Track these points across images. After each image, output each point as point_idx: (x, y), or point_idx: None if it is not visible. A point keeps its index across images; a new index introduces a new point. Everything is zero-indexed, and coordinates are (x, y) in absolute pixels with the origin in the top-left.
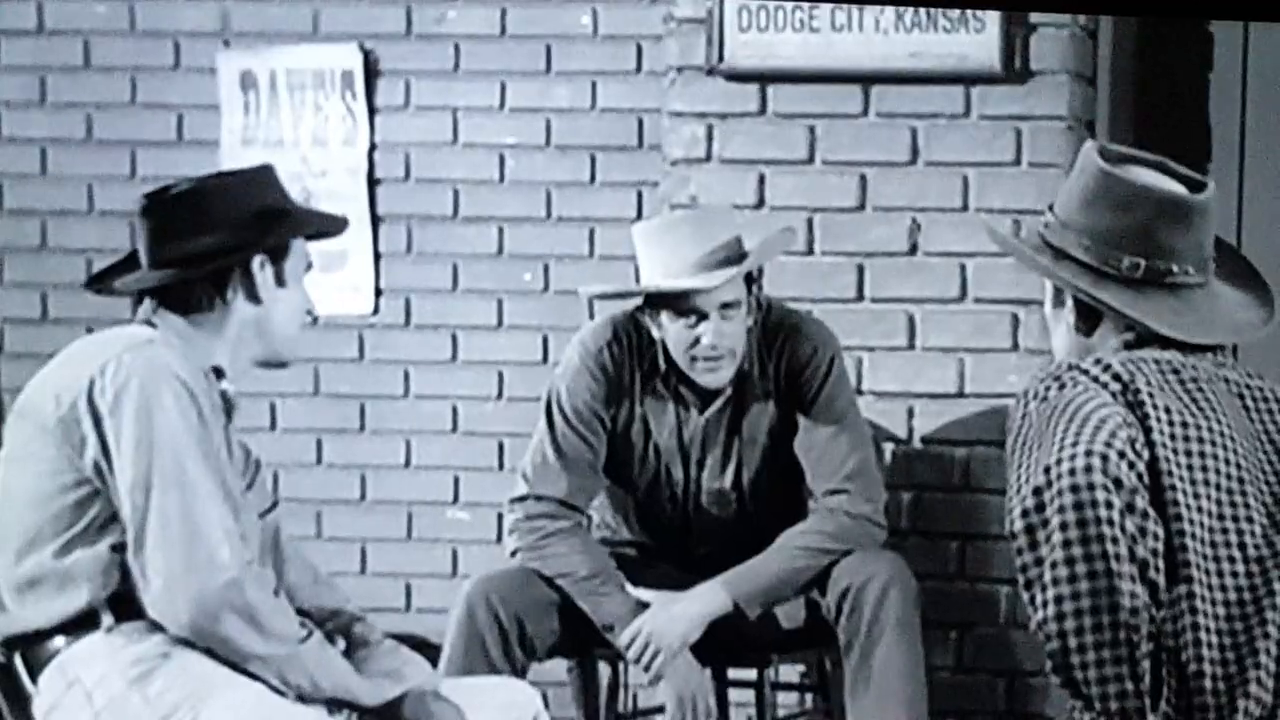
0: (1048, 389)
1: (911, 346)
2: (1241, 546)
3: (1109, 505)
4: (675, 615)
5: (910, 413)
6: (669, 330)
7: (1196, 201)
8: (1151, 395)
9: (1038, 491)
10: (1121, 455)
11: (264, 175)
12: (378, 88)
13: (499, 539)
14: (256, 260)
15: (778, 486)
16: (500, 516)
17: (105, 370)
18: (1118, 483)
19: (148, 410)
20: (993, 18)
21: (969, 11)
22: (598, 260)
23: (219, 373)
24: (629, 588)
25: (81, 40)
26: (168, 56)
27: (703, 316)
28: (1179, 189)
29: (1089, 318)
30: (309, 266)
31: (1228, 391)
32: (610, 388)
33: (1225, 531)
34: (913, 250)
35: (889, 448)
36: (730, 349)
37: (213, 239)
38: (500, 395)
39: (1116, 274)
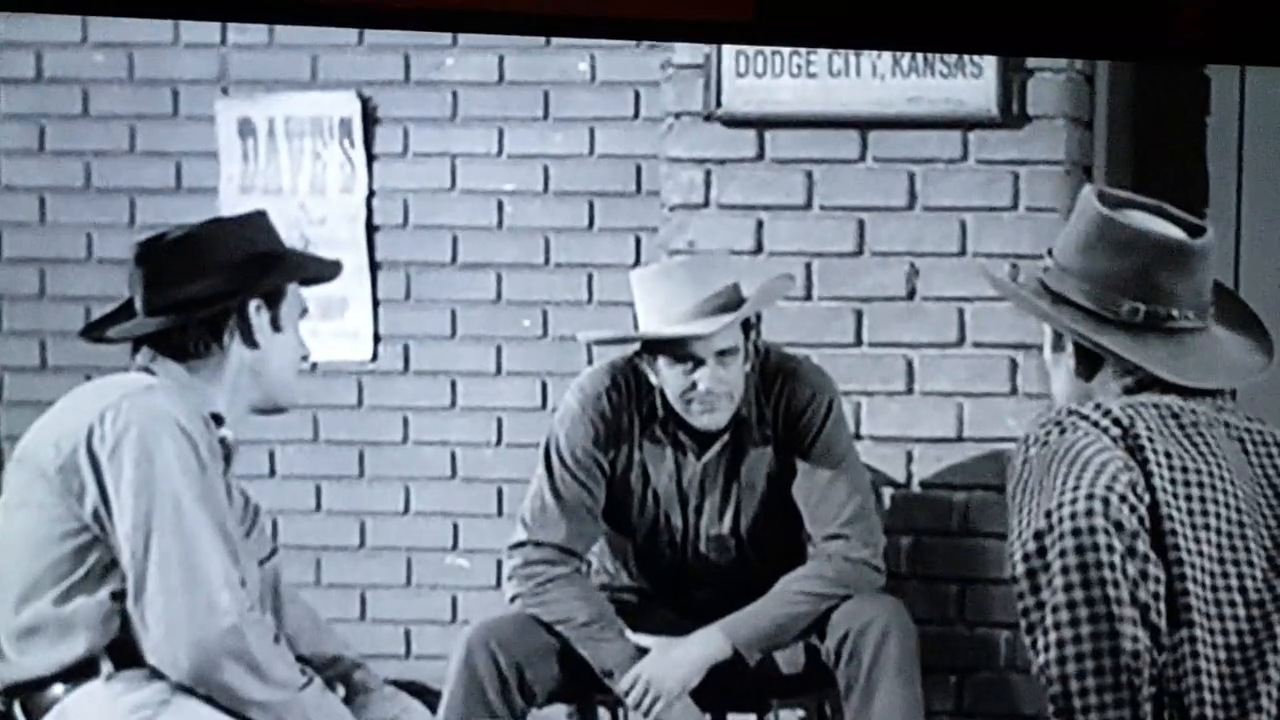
0: (1048, 434)
1: (910, 391)
2: (1243, 590)
3: (1110, 549)
4: (675, 660)
5: (909, 457)
6: (666, 376)
7: (1196, 246)
8: (1151, 440)
9: (1039, 535)
10: (1123, 499)
11: (258, 220)
12: (376, 135)
13: (498, 585)
14: (252, 305)
15: (776, 531)
16: (499, 562)
17: (104, 417)
18: (1119, 526)
19: (147, 457)
20: (990, 63)
21: (966, 56)
22: (596, 306)
23: (217, 419)
24: (628, 633)
25: (80, 89)
26: (166, 104)
27: (699, 363)
28: (1178, 233)
29: (1089, 362)
30: (304, 312)
31: (1227, 435)
32: (609, 433)
33: (1226, 575)
34: (911, 295)
35: (888, 492)
36: (727, 393)
37: (207, 284)
38: (499, 441)
39: (1116, 318)
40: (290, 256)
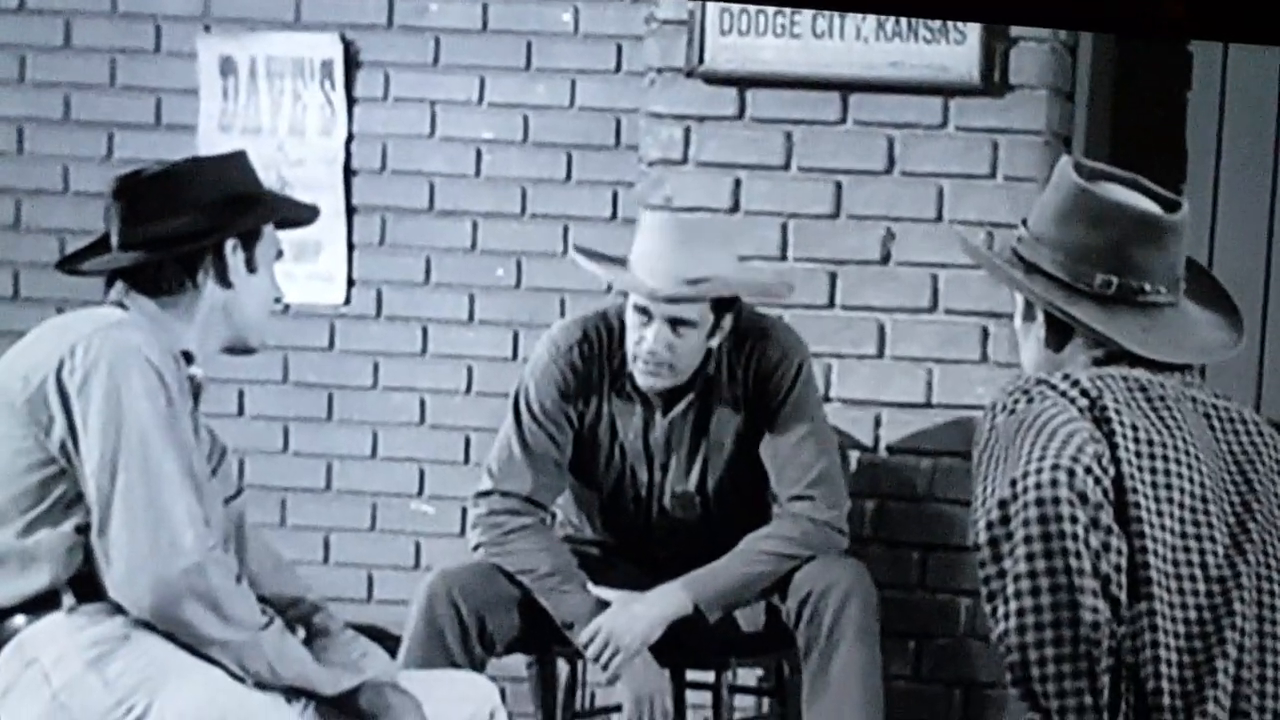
0: (1015, 402)
1: (880, 355)
2: (1204, 566)
3: (1073, 520)
4: (636, 615)
5: (877, 421)
6: (628, 323)
7: (1170, 221)
8: (1118, 412)
9: (1003, 504)
10: (1088, 470)
11: (238, 160)
12: (357, 78)
13: (462, 532)
14: (228, 245)
15: (742, 491)
16: (464, 510)
17: (74, 351)
18: (1083, 497)
19: (116, 392)
20: (973, 30)
21: (950, 23)
22: (571, 258)
23: (188, 357)
24: (590, 586)
25: (62, 20)
26: (148, 39)
27: (651, 320)
28: (1153, 208)
29: (1059, 333)
30: (279, 254)
31: (1194, 410)
32: (578, 386)
33: (1188, 550)
34: (885, 259)
35: (854, 455)
36: (670, 362)
37: (184, 222)
38: (469, 390)
39: (1088, 290)
40: (268, 198)
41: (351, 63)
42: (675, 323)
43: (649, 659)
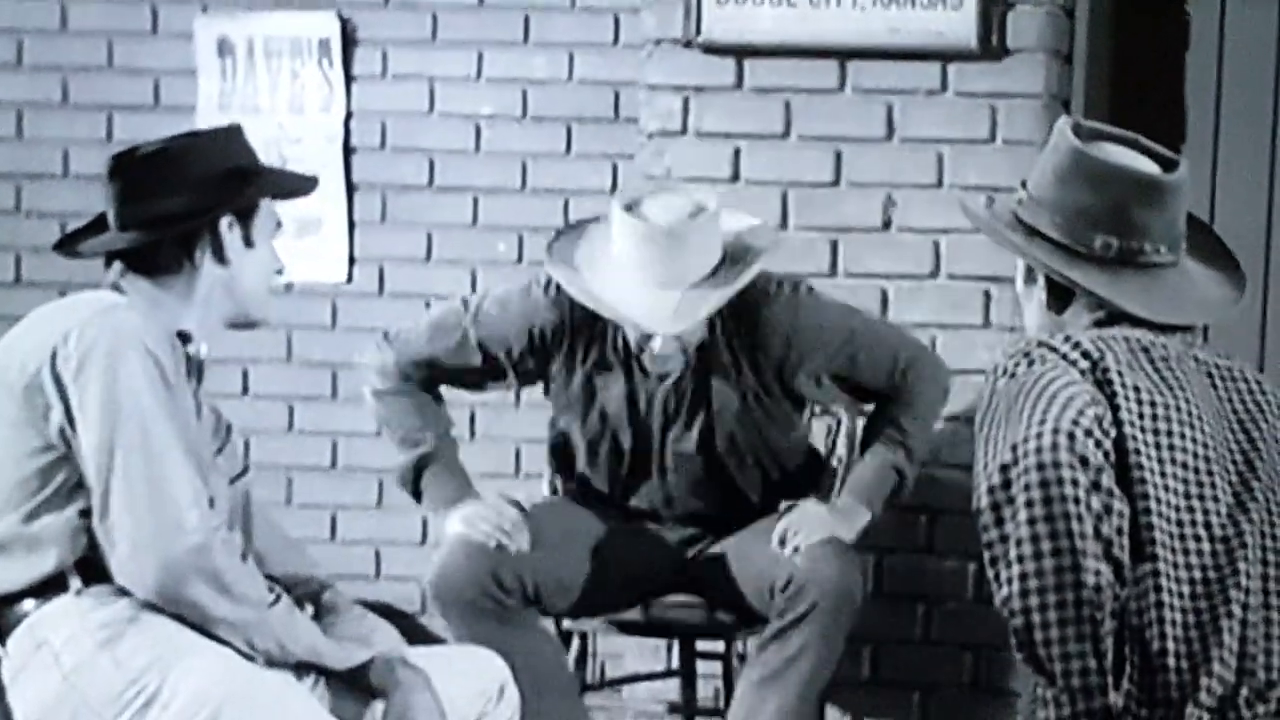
0: (1016, 365)
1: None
2: (1207, 525)
3: (1075, 484)
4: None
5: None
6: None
7: (1170, 181)
8: (1120, 374)
9: (1004, 469)
10: (1088, 433)
11: (232, 135)
12: (355, 56)
13: None
14: (224, 221)
15: (754, 444)
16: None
17: (69, 336)
18: (1084, 461)
19: (113, 375)
20: None
21: None
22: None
23: (185, 337)
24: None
25: (59, 3)
26: (145, 21)
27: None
28: (1152, 168)
29: (1061, 296)
30: (278, 226)
31: (1197, 370)
32: (540, 347)
33: (1191, 510)
34: (887, 225)
35: (860, 423)
36: (681, 348)
37: (180, 200)
38: None
39: (1088, 253)
40: (264, 171)
41: (349, 40)
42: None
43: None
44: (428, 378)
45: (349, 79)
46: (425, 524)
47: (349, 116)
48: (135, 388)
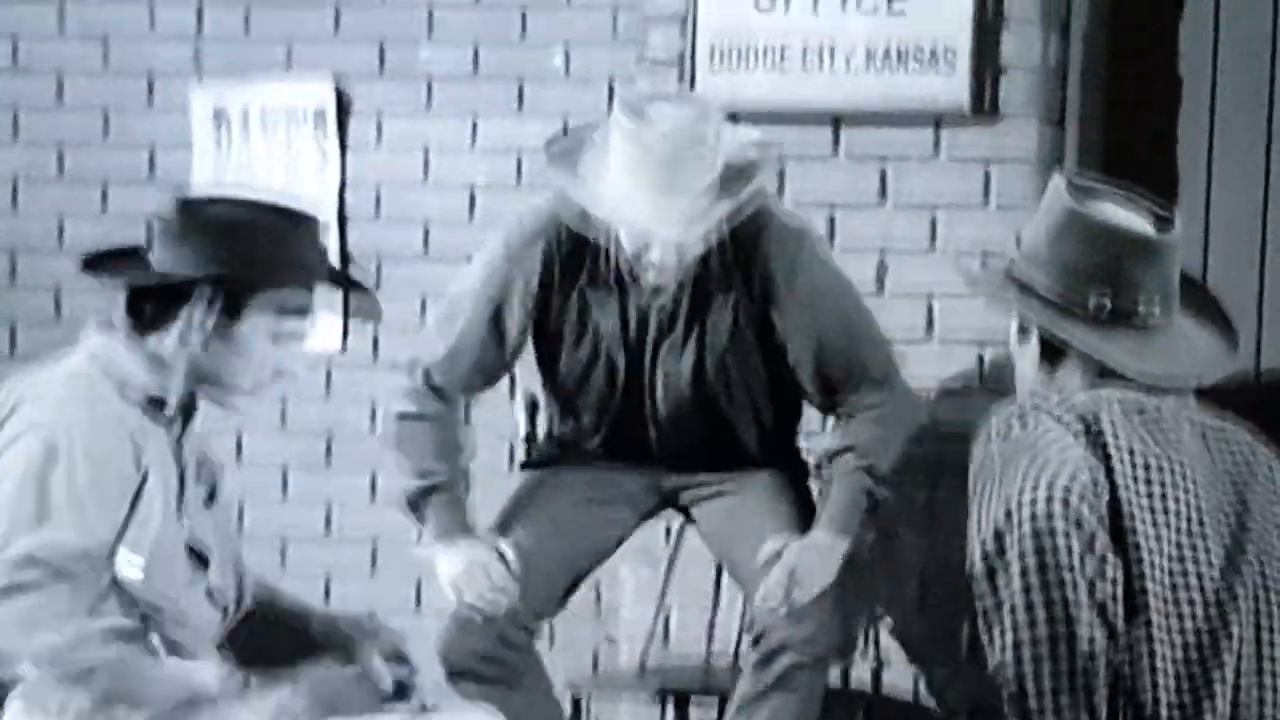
0: (1010, 426)
1: None
2: (1200, 585)
3: (1069, 549)
4: (822, 552)
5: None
6: (623, 235)
7: (1163, 240)
8: (1115, 435)
9: (998, 531)
10: (1082, 496)
11: (298, 222)
12: (350, 124)
13: None
14: (203, 293)
15: (744, 380)
16: None
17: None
18: (1079, 524)
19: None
20: (963, 59)
21: (940, 53)
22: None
23: (160, 403)
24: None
25: (55, 76)
26: (141, 93)
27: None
28: (1145, 227)
29: (1054, 353)
30: (296, 335)
31: (1191, 430)
32: (534, 277)
33: (1184, 570)
34: (880, 288)
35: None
36: (678, 262)
37: (186, 258)
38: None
39: (1081, 312)
40: (286, 266)
41: (344, 109)
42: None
43: (491, 561)
44: (456, 383)
45: (344, 148)
46: (419, 590)
47: (343, 185)
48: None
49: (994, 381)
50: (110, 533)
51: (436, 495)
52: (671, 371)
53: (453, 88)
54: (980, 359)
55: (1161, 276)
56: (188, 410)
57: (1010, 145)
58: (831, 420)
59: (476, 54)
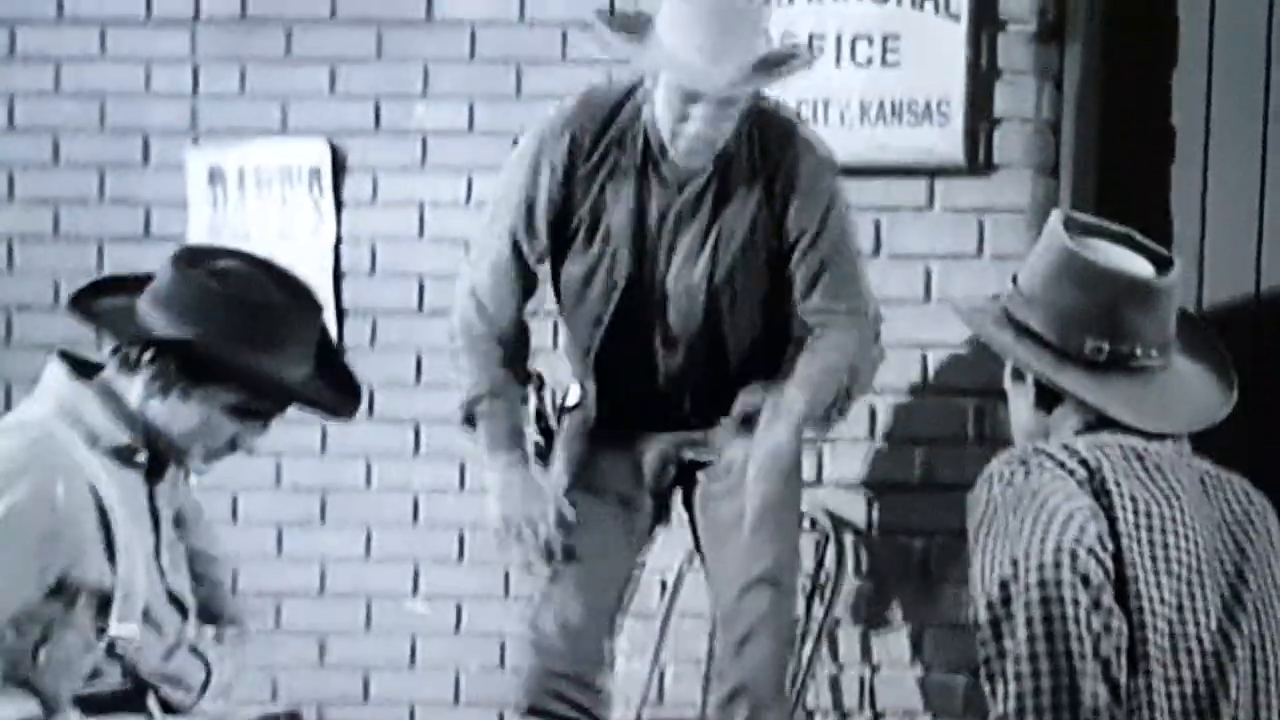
0: (1013, 474)
1: (872, 436)
2: (1199, 639)
3: (1076, 604)
4: (778, 435)
5: (870, 503)
6: (660, 107)
7: (1161, 284)
8: (1118, 484)
9: (1004, 584)
10: (1090, 551)
11: (292, 301)
12: (345, 182)
13: (458, 629)
14: (157, 353)
15: (753, 292)
16: (459, 607)
17: None
18: (1085, 580)
19: None
20: (957, 112)
21: (934, 106)
22: (562, 352)
23: (132, 450)
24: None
25: (50, 136)
26: (136, 152)
27: (696, 101)
28: (1144, 270)
29: (1049, 396)
30: (257, 422)
31: (1190, 477)
32: (556, 167)
33: (1184, 622)
34: (875, 339)
35: (848, 538)
36: (713, 140)
37: (160, 312)
38: (462, 487)
39: (1078, 356)
40: (257, 362)
41: (339, 167)
42: (725, 103)
43: (529, 476)
44: (503, 295)
45: (339, 205)
46: (414, 648)
47: (339, 242)
48: None
49: (988, 434)
50: (15, 596)
51: (481, 406)
52: (680, 270)
53: (448, 144)
54: (974, 412)
55: (1159, 320)
56: (161, 461)
57: (1004, 197)
58: None
59: (471, 110)
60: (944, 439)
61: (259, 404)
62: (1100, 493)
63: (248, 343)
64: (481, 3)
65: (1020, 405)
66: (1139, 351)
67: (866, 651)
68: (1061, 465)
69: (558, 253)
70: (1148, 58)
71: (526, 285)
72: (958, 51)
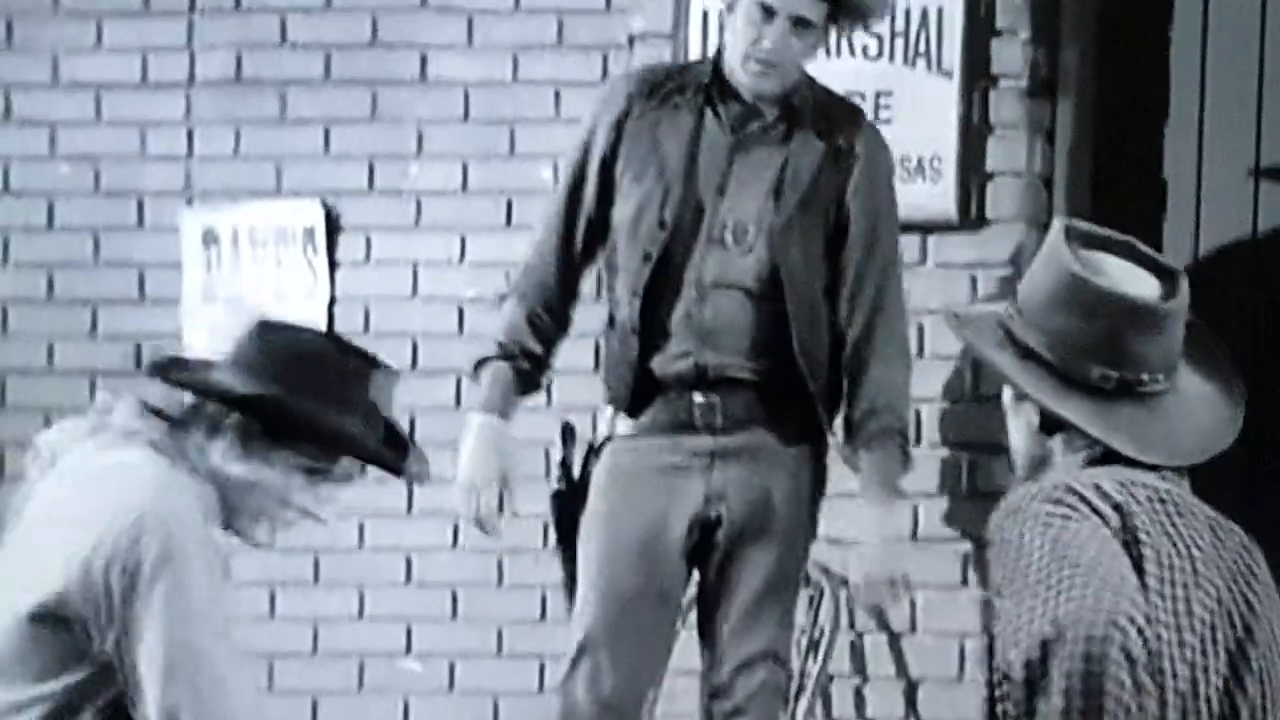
0: (1049, 516)
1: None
2: (1207, 699)
3: (1119, 683)
4: (892, 543)
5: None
6: (737, 22)
7: (1168, 309)
8: (1148, 533)
9: (1045, 644)
10: (1132, 620)
11: (360, 370)
12: (339, 242)
13: (451, 688)
14: (233, 418)
15: (806, 256)
16: (452, 666)
17: (132, 538)
18: (1129, 657)
19: (177, 597)
20: (949, 167)
21: (926, 162)
22: (557, 409)
23: None
24: None
25: (45, 200)
26: (130, 215)
27: (773, 16)
28: (1150, 290)
29: (1052, 422)
30: (342, 476)
31: (1205, 525)
32: (613, 113)
33: (1195, 683)
34: None
35: (843, 594)
36: (783, 64)
37: (239, 378)
38: (454, 545)
39: (1082, 382)
40: (336, 422)
41: (333, 227)
42: (797, 22)
43: (497, 440)
44: (540, 272)
45: (333, 265)
46: (406, 708)
47: (333, 302)
48: (197, 610)
49: (980, 489)
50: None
51: (484, 366)
52: (740, 207)
53: (441, 204)
54: (968, 465)
55: (1166, 345)
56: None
57: (997, 252)
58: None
59: (465, 170)
60: (936, 493)
61: (335, 464)
62: (1131, 543)
63: (327, 401)
64: (474, 63)
65: (1021, 427)
66: (1145, 378)
67: (860, 707)
68: (1098, 512)
69: (607, 199)
70: (1139, 112)
71: (580, 246)
72: (950, 107)
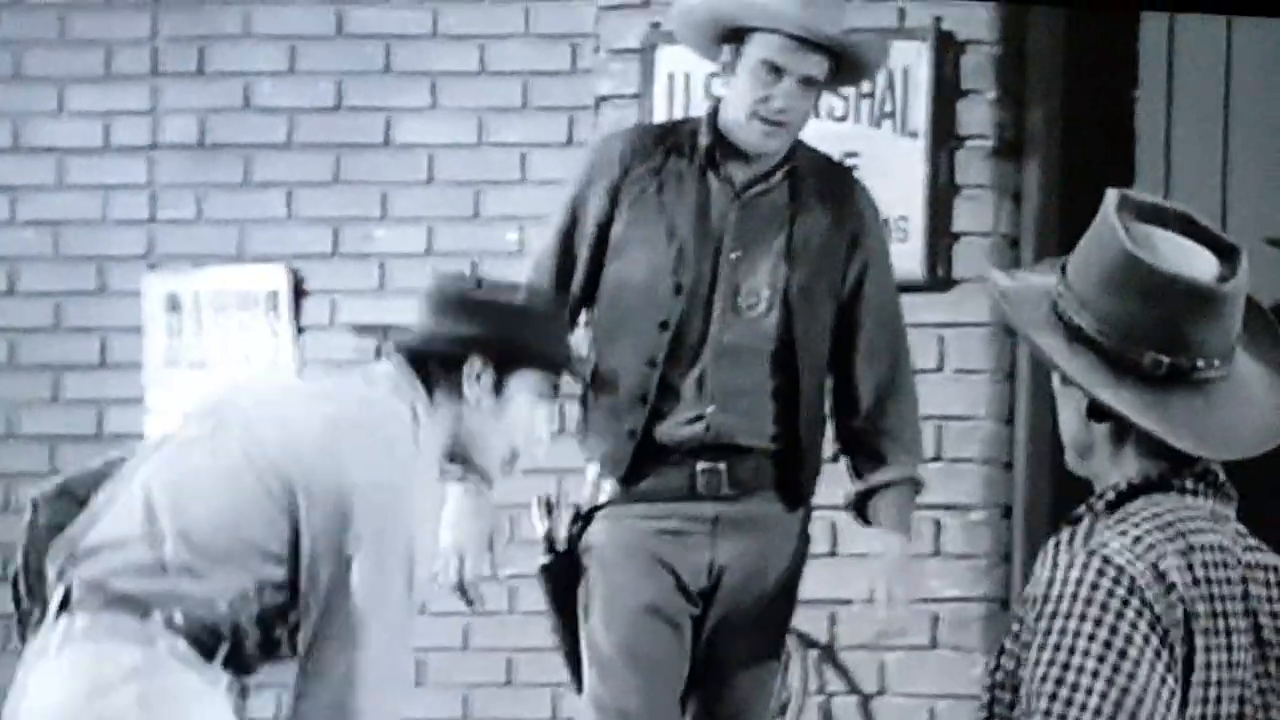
0: (1095, 581)
1: (833, 554)
2: None
3: None
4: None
5: (832, 619)
6: (743, 86)
7: (1228, 291)
8: (1183, 599)
9: None
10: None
11: (552, 312)
12: (304, 306)
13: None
14: (475, 361)
15: (817, 320)
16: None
17: (365, 500)
18: None
19: (388, 563)
20: (917, 228)
21: (894, 222)
22: (534, 473)
23: None
24: None
25: (5, 268)
26: (91, 280)
27: (781, 76)
28: (1208, 268)
29: (1100, 409)
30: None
31: (1240, 576)
32: (609, 173)
33: None
34: (836, 458)
35: (812, 654)
36: (790, 124)
37: (460, 329)
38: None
39: (1135, 368)
40: (545, 347)
41: (298, 291)
42: (805, 81)
43: (480, 505)
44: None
45: (298, 329)
46: None
47: (299, 367)
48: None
49: (949, 550)
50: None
51: None
52: (752, 271)
53: (407, 267)
54: (937, 527)
55: (1224, 328)
56: None
57: (965, 312)
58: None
59: (430, 234)
60: (921, 553)
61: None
62: (1173, 608)
63: (536, 333)
64: (439, 126)
65: (1070, 413)
66: (1201, 364)
67: None
68: (1134, 580)
69: (599, 263)
70: (1106, 172)
71: (569, 311)
72: (917, 168)
